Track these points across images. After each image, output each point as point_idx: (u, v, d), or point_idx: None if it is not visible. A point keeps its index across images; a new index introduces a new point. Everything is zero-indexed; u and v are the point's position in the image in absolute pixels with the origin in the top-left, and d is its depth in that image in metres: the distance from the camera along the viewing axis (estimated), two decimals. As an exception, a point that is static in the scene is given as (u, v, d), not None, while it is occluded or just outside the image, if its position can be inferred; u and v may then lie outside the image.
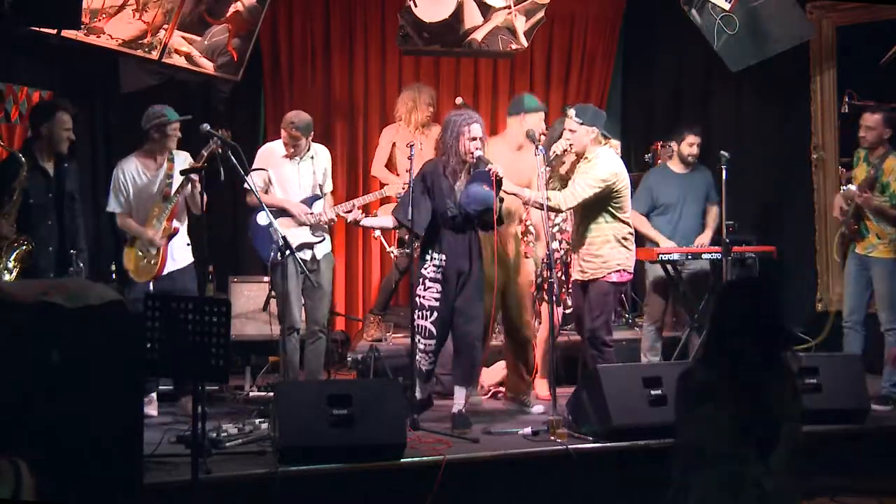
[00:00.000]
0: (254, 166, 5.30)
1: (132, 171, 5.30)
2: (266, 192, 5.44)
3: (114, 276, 6.00)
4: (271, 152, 5.54)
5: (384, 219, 5.55)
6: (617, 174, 5.18)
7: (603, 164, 5.16)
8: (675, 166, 6.47)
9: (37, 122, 5.08)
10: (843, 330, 5.78)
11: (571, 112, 5.31)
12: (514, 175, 5.21)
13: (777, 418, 2.86)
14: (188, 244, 5.37)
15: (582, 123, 5.20)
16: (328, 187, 5.68)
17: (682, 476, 2.85)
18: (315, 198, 5.53)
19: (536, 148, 5.74)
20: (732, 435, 2.80)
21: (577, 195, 5.11)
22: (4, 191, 4.84)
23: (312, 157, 5.53)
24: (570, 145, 5.27)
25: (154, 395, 5.25)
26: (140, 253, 5.26)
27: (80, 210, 5.28)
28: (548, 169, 5.40)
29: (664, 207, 6.37)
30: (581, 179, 5.14)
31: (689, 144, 6.39)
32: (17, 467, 2.06)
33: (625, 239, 5.24)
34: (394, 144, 6.55)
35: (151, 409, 5.19)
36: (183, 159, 5.30)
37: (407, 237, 6.04)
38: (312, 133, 5.52)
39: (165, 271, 5.23)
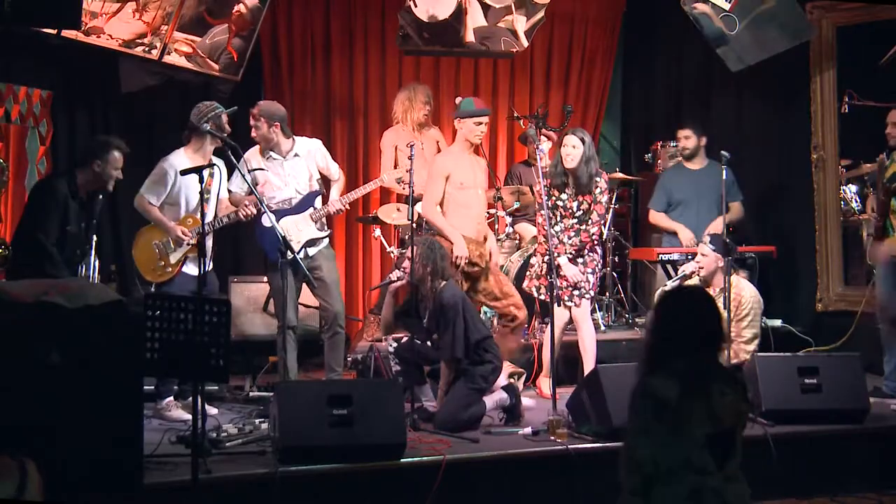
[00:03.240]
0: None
1: (182, 168, 4.94)
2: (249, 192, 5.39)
3: (113, 276, 6.01)
4: (253, 154, 5.44)
5: None
6: (757, 299, 5.59)
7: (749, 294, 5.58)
8: (690, 164, 6.54)
9: (89, 156, 5.01)
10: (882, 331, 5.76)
11: (706, 238, 5.55)
12: (473, 175, 5.55)
13: (733, 426, 2.84)
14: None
15: (714, 251, 5.43)
16: (336, 174, 5.64)
17: (640, 490, 2.78)
18: (315, 193, 5.51)
19: (537, 147, 5.77)
20: (695, 447, 2.76)
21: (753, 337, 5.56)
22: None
23: (297, 155, 5.46)
24: (700, 268, 5.51)
25: (172, 398, 5.16)
26: (158, 251, 5.17)
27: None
28: (545, 168, 5.46)
29: (678, 204, 6.45)
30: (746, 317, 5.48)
31: (679, 139, 6.57)
32: (23, 466, 2.06)
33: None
34: (396, 147, 6.55)
35: (177, 412, 5.11)
36: (220, 169, 5.24)
37: (407, 237, 6.05)
38: (279, 125, 5.38)
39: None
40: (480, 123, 5.56)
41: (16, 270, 4.92)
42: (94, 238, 5.17)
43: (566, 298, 5.62)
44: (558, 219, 5.65)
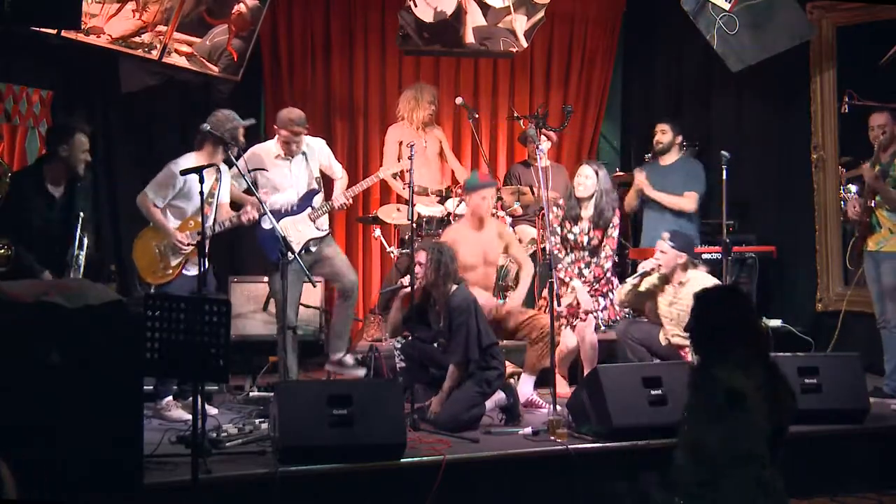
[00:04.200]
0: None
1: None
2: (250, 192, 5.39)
3: (112, 276, 6.00)
4: (264, 152, 5.45)
5: None
6: None
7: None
8: (662, 160, 6.57)
9: (54, 144, 4.97)
10: (879, 331, 5.77)
11: (665, 235, 5.48)
12: (479, 253, 5.50)
13: (785, 420, 2.95)
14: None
15: (673, 247, 5.37)
16: (339, 173, 5.67)
17: (710, 480, 2.86)
18: (313, 192, 5.50)
19: (537, 147, 5.78)
20: (759, 439, 2.85)
21: None
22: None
23: (303, 153, 5.47)
24: (659, 265, 5.42)
25: (171, 397, 5.14)
26: (158, 253, 5.14)
27: (90, 226, 5.18)
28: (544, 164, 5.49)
29: (647, 198, 6.49)
30: None
31: (656, 132, 6.57)
32: None
33: None
34: (400, 143, 6.56)
35: (177, 412, 5.08)
36: (227, 176, 5.24)
37: (407, 237, 6.05)
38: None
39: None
40: (485, 198, 5.55)
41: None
42: (78, 228, 5.11)
43: (577, 320, 5.67)
44: (568, 250, 5.70)
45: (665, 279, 5.44)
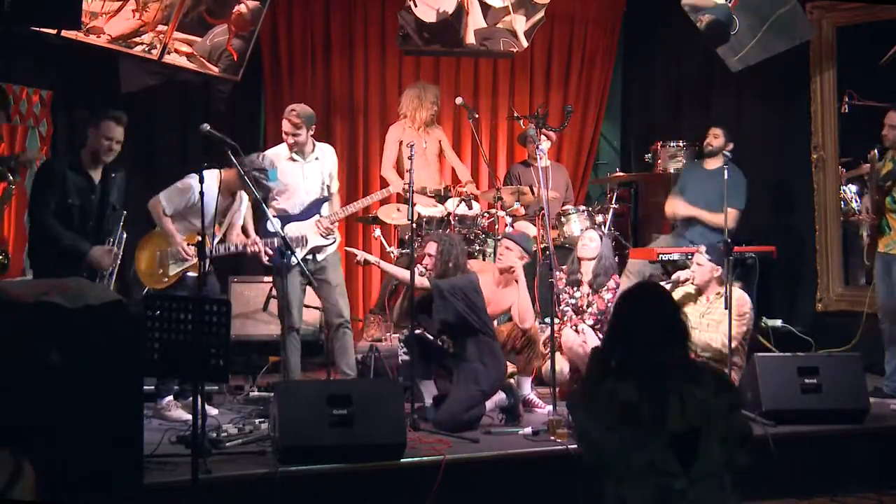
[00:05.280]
0: None
1: (211, 188, 4.89)
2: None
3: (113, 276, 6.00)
4: (275, 157, 5.42)
5: (398, 270, 5.38)
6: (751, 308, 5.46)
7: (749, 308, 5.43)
8: (707, 163, 6.57)
9: (87, 124, 5.00)
10: (882, 331, 5.76)
11: (702, 248, 5.56)
12: (495, 306, 5.36)
13: (698, 429, 2.76)
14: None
15: (710, 260, 5.45)
16: (334, 187, 5.63)
17: (616, 489, 2.80)
18: (323, 200, 5.49)
19: (537, 147, 5.78)
20: (658, 449, 2.73)
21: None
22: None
23: (318, 159, 5.46)
24: (693, 276, 5.47)
25: (171, 397, 5.12)
26: (159, 258, 5.11)
27: (121, 220, 5.16)
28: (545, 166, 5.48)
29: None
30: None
31: (708, 135, 6.55)
32: (18, 460, 2.05)
33: None
34: (400, 143, 6.55)
35: (177, 412, 5.06)
36: (242, 196, 5.26)
37: (407, 237, 6.05)
38: (314, 128, 5.44)
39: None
40: (508, 248, 5.45)
41: (34, 257, 4.97)
42: (122, 213, 5.09)
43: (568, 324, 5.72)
44: (570, 315, 5.77)
45: (699, 291, 5.48)
